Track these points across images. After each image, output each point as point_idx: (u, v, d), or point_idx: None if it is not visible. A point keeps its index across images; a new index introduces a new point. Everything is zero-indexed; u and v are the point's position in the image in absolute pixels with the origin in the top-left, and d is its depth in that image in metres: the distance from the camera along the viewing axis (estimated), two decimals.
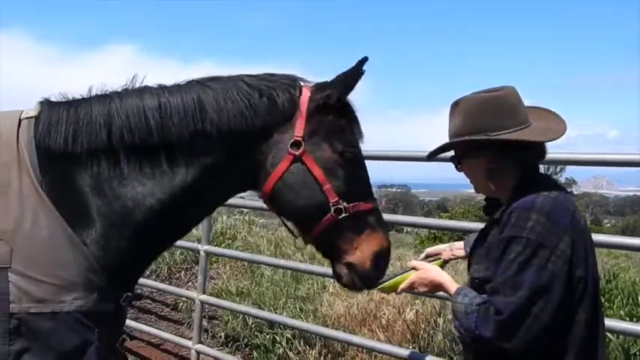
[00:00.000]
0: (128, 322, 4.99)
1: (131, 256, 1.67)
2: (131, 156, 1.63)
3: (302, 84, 1.81)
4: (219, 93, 1.69)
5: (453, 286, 1.78)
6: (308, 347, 4.61)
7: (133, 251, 1.66)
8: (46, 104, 1.69)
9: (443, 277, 1.84)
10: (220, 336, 5.26)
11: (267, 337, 4.86)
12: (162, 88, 1.73)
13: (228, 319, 5.32)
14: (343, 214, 1.76)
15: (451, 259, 2.22)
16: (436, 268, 1.92)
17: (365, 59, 1.76)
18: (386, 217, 4.15)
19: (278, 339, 4.77)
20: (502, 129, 1.70)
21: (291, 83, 1.78)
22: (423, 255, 2.24)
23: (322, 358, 4.51)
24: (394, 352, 3.50)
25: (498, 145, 1.72)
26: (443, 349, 4.23)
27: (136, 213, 1.63)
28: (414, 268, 1.92)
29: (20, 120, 1.64)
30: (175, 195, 1.67)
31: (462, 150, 1.83)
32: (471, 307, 1.64)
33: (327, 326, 4.55)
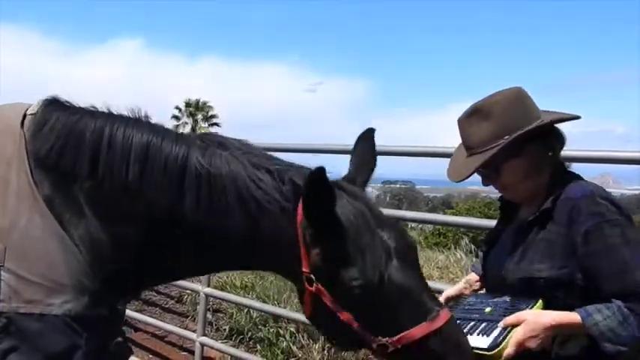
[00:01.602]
0: (133, 314, 5.04)
1: (127, 268, 1.62)
2: (112, 189, 1.57)
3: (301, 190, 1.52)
4: (203, 182, 1.55)
5: (570, 314, 1.54)
6: (312, 341, 4.64)
7: (128, 264, 1.61)
8: (46, 104, 1.64)
9: (552, 315, 1.55)
10: (224, 329, 5.29)
11: (271, 330, 4.89)
12: (158, 133, 1.61)
13: (233, 313, 5.35)
14: (390, 349, 1.50)
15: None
16: (539, 311, 1.60)
17: (316, 172, 1.41)
18: (390, 212, 4.16)
19: (282, 332, 4.80)
20: (539, 119, 1.69)
21: (284, 204, 1.54)
22: (442, 298, 2.02)
23: (325, 351, 4.54)
24: None
25: (542, 136, 1.70)
26: None
27: (124, 237, 1.58)
28: (512, 326, 1.57)
29: (25, 115, 1.61)
30: (145, 245, 1.59)
31: (505, 152, 1.66)
32: (621, 314, 1.48)
33: None
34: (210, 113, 48.67)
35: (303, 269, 1.53)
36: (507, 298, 1.70)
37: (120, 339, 1.68)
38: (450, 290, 2.11)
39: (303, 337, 4.67)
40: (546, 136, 1.72)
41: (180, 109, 47.91)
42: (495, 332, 1.59)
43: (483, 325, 1.65)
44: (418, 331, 1.49)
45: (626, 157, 2.62)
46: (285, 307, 4.85)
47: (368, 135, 1.78)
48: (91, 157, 1.56)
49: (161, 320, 5.31)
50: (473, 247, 8.54)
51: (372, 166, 1.76)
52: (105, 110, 1.68)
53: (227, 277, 6.09)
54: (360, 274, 1.48)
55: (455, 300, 2.07)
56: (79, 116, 1.62)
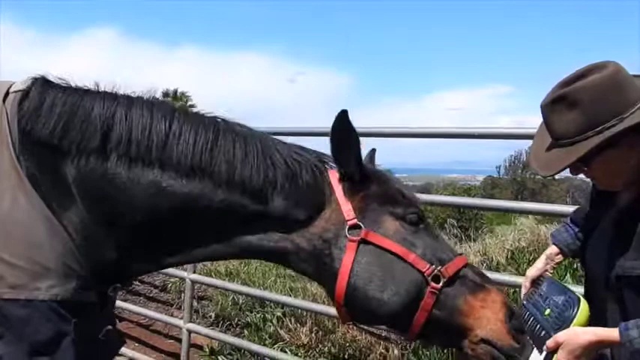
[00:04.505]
0: (117, 303, 4.96)
1: (118, 252, 1.58)
2: (122, 162, 1.53)
3: (328, 167, 1.71)
4: (240, 143, 1.60)
5: (609, 331, 1.47)
6: (299, 325, 4.65)
7: (121, 249, 1.57)
8: (41, 83, 1.59)
9: (590, 334, 1.49)
10: (210, 316, 5.27)
11: (258, 315, 4.89)
12: (178, 111, 1.61)
13: (219, 300, 5.33)
14: (443, 281, 1.57)
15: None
16: (578, 329, 1.54)
17: (342, 114, 1.54)
18: None
19: (269, 317, 4.80)
20: (634, 104, 1.48)
21: (318, 165, 1.68)
22: (527, 283, 1.93)
23: (313, 335, 4.55)
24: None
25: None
26: None
27: (120, 218, 1.54)
28: (553, 352, 1.53)
29: (8, 92, 1.55)
30: (161, 215, 1.56)
31: (597, 144, 1.49)
32: None
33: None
34: (188, 103, 48.14)
35: (347, 219, 1.60)
36: (562, 298, 1.65)
37: (110, 327, 1.62)
38: (532, 271, 1.96)
39: (290, 321, 4.68)
40: None
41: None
42: (544, 354, 1.57)
43: (541, 333, 1.63)
44: (460, 261, 1.64)
45: None
46: (270, 292, 4.86)
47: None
48: (103, 130, 1.53)
49: (146, 309, 5.27)
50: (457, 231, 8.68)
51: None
52: (103, 89, 1.65)
53: (211, 265, 6.06)
54: (407, 205, 1.66)
55: (536, 281, 1.93)
56: (80, 95, 1.59)
